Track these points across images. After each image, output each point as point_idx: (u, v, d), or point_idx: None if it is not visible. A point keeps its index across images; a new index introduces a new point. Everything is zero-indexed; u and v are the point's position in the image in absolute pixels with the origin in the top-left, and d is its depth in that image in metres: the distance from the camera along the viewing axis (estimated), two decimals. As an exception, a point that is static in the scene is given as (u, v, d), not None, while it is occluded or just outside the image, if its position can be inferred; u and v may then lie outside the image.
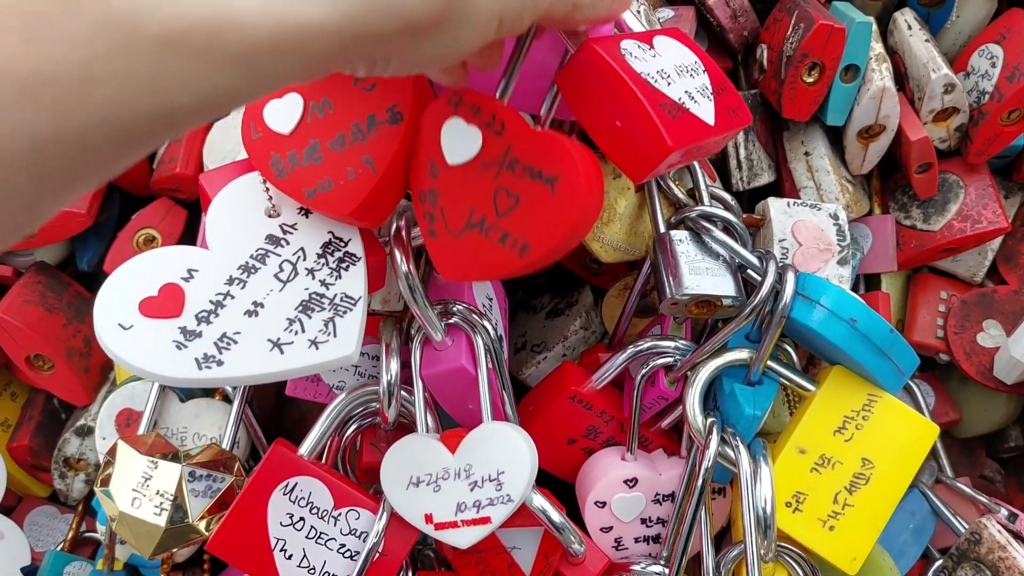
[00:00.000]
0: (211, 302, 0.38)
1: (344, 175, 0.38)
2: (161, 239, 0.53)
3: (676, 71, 0.38)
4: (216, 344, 0.38)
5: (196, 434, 0.50)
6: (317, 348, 0.38)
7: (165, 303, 0.38)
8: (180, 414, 0.50)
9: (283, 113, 0.40)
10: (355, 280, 0.40)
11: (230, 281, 0.39)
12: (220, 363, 0.37)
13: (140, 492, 0.45)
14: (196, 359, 0.37)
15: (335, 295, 0.40)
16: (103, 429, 0.50)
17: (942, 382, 0.61)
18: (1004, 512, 0.53)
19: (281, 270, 0.40)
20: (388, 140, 0.38)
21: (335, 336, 0.39)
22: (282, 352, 0.38)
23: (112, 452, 0.46)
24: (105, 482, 0.46)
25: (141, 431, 0.48)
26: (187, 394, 0.51)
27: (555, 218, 0.34)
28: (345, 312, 0.39)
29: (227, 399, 0.51)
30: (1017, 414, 0.60)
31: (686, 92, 0.38)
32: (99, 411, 0.51)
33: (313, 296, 0.39)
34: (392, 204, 0.40)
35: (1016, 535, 0.52)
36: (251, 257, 0.40)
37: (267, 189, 0.41)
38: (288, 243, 0.40)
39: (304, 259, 0.40)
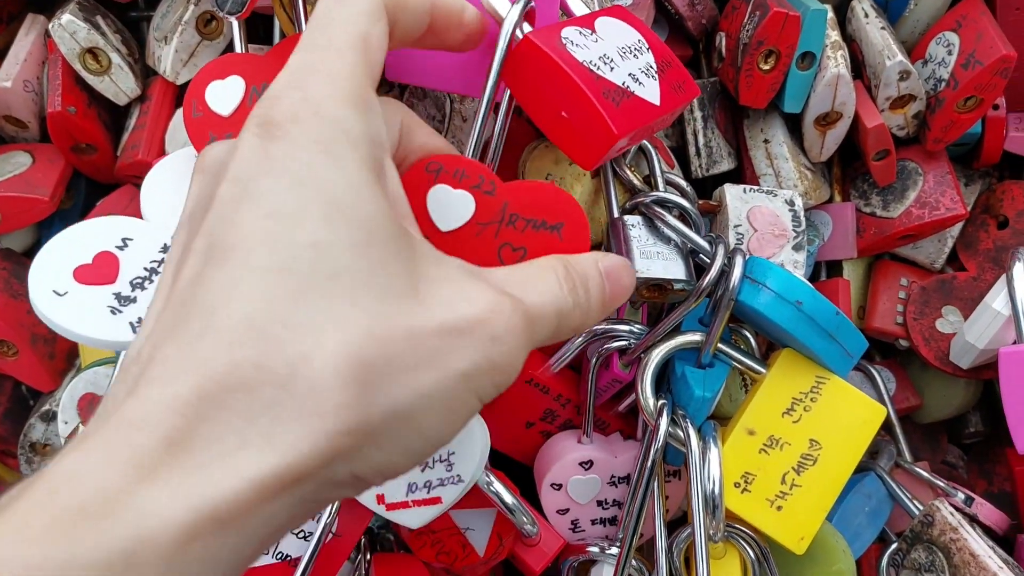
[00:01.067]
0: (146, 269, 0.39)
1: None
2: (125, 226, 0.53)
3: (619, 53, 0.38)
4: None
5: (158, 418, 0.50)
6: None
7: (99, 270, 0.39)
8: (142, 398, 0.50)
9: (224, 95, 0.40)
10: None
11: (164, 249, 0.40)
12: None
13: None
14: (131, 323, 0.38)
15: None
16: (65, 413, 0.51)
17: (903, 368, 0.61)
18: (961, 496, 0.54)
19: None
20: None
21: None
22: None
23: (72, 435, 0.47)
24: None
25: (102, 415, 0.49)
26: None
27: None
28: None
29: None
30: (976, 400, 0.61)
31: (630, 75, 0.38)
32: (62, 396, 0.52)
33: None
34: None
35: (971, 518, 0.52)
36: None
37: None
38: None
39: None
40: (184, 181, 0.43)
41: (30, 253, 0.57)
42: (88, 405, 0.51)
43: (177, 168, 0.43)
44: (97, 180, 0.56)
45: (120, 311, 0.39)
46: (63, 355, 0.56)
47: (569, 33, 0.37)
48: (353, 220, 0.25)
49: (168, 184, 0.43)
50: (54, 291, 0.38)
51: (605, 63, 0.37)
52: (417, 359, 0.25)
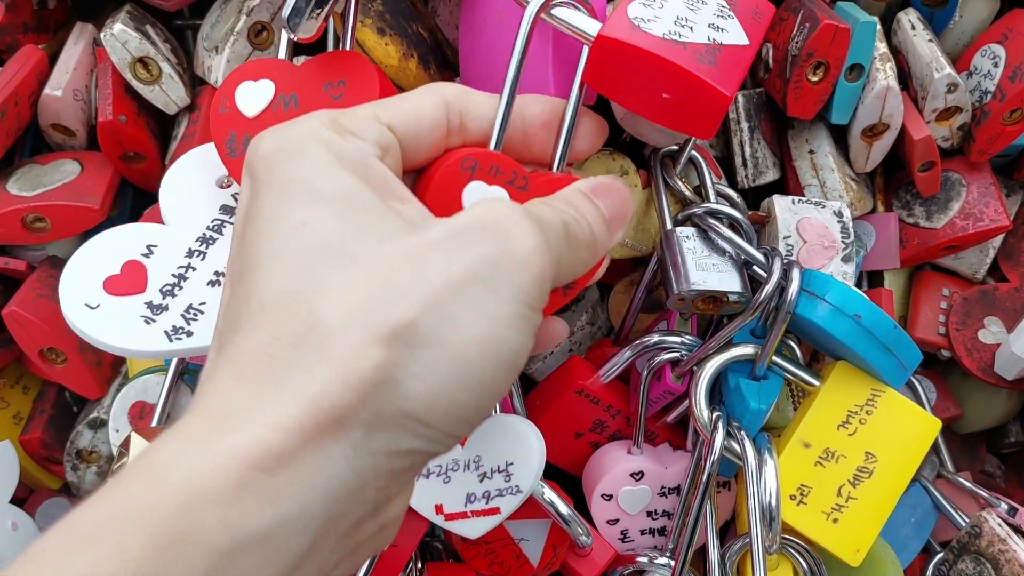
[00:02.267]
0: (174, 275, 0.40)
1: None
2: (172, 234, 0.53)
3: (689, 7, 0.37)
4: (183, 316, 0.39)
5: (208, 427, 0.50)
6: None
7: (129, 280, 0.40)
8: (192, 407, 0.50)
9: (253, 96, 0.40)
10: None
11: (190, 254, 0.41)
12: (189, 333, 0.39)
13: (153, 484, 0.46)
14: (166, 332, 0.39)
15: None
16: (116, 421, 0.51)
17: (944, 378, 0.61)
18: (1004, 506, 0.54)
19: None
20: None
21: None
22: None
23: (125, 444, 0.47)
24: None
25: (154, 423, 0.49)
26: (193, 384, 0.51)
27: None
28: None
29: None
30: (1017, 410, 0.61)
31: (710, 26, 0.36)
32: (112, 404, 0.52)
33: None
34: None
35: (1016, 528, 0.52)
36: (208, 228, 0.41)
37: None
38: None
39: None
40: (202, 182, 0.43)
41: (76, 260, 0.58)
42: (139, 413, 0.51)
43: (194, 168, 0.43)
44: (144, 188, 0.56)
45: (154, 320, 0.39)
46: (109, 363, 0.56)
47: (635, 11, 0.36)
48: (331, 198, 0.28)
49: (184, 185, 0.43)
50: (86, 304, 0.38)
51: (683, 26, 0.36)
52: (426, 270, 0.26)
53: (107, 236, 0.40)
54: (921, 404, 0.58)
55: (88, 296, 0.37)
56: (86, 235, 0.55)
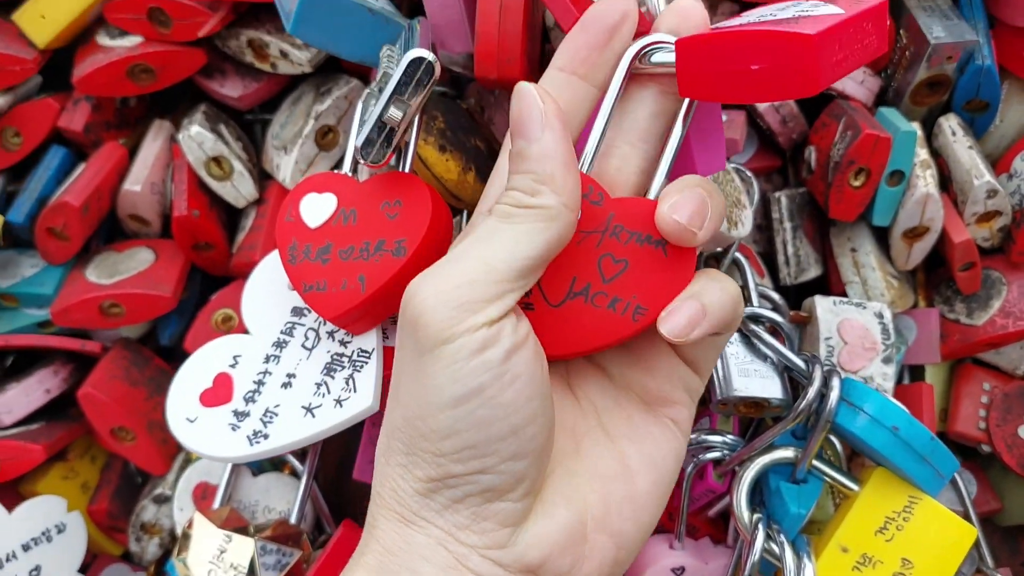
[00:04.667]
0: (254, 382, 0.43)
1: (338, 284, 0.40)
2: (238, 319, 0.56)
3: (774, 10, 0.36)
4: (261, 420, 0.42)
5: (266, 507, 0.53)
6: (341, 406, 0.42)
7: (219, 392, 0.43)
8: (252, 488, 0.53)
9: (317, 209, 0.43)
10: (370, 335, 0.43)
11: (267, 359, 0.44)
12: (266, 436, 0.42)
13: (215, 564, 0.48)
14: (248, 437, 0.42)
15: (352, 352, 0.43)
16: (180, 500, 0.54)
17: (984, 471, 0.62)
18: (1045, 604, 0.54)
19: (307, 339, 0.44)
20: (385, 268, 0.39)
21: (355, 392, 0.42)
22: (314, 416, 0.42)
23: (190, 524, 0.50)
24: (183, 551, 0.49)
25: (216, 505, 0.52)
26: (258, 468, 0.54)
27: (671, 277, 0.34)
28: (362, 367, 0.42)
29: (294, 473, 0.54)
30: (1059, 505, 0.61)
31: (796, 12, 0.35)
32: (177, 482, 0.55)
33: (335, 357, 0.43)
34: (374, 322, 0.43)
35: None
36: (281, 332, 0.44)
37: None
38: (310, 311, 0.44)
39: (324, 323, 0.44)
40: (276, 286, 0.46)
41: (145, 340, 0.61)
42: (202, 494, 0.54)
43: (266, 275, 0.46)
44: (211, 273, 0.59)
45: (238, 427, 0.42)
46: (175, 440, 0.58)
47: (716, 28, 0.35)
48: None
49: (261, 293, 0.46)
50: (187, 419, 0.42)
51: (764, 16, 0.34)
52: None
53: (203, 351, 0.43)
54: (961, 497, 0.58)
55: (188, 411, 0.41)
56: (157, 320, 0.59)
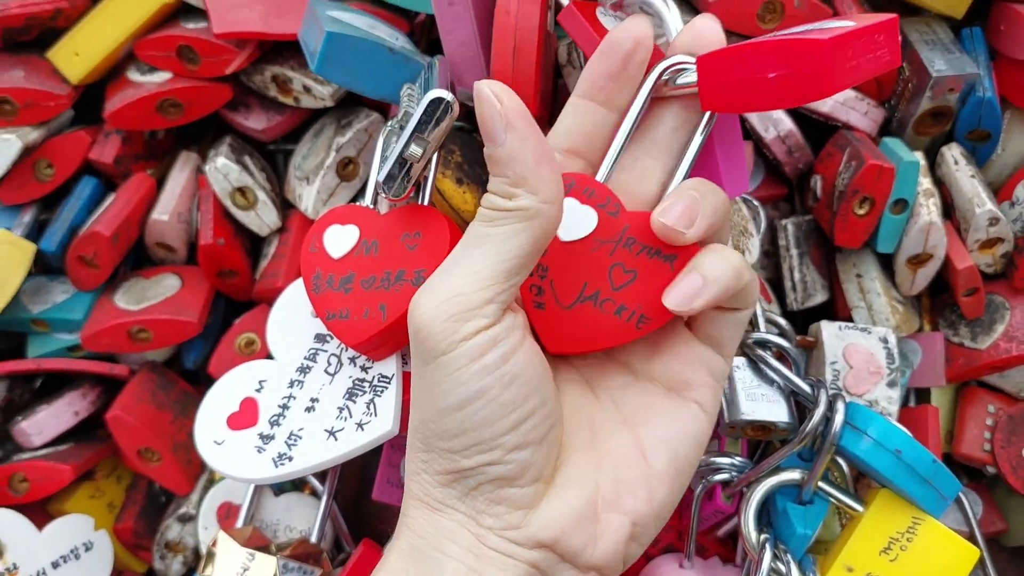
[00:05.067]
0: (279, 406, 0.45)
1: (360, 312, 0.43)
2: (260, 343, 0.58)
3: (787, 31, 0.37)
4: (286, 442, 0.44)
5: (287, 527, 0.54)
6: (363, 429, 0.44)
7: (245, 415, 0.45)
8: (274, 508, 0.55)
9: (340, 240, 0.45)
10: (390, 362, 0.45)
11: (291, 384, 0.45)
12: (291, 459, 0.43)
13: (239, 582, 0.50)
14: (273, 459, 0.43)
15: (373, 377, 0.45)
16: (205, 519, 0.56)
17: (990, 492, 0.63)
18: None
19: (329, 364, 0.45)
20: (405, 297, 0.41)
21: (376, 416, 0.44)
22: (336, 439, 0.44)
23: (214, 542, 0.52)
24: (207, 568, 0.51)
25: (239, 524, 0.53)
26: (279, 489, 0.56)
27: None
28: (382, 391, 0.44)
29: (315, 494, 0.56)
30: (1064, 526, 0.62)
31: (810, 27, 0.36)
32: (201, 501, 0.57)
33: (356, 382, 0.45)
34: (394, 348, 0.45)
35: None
36: (305, 358, 0.46)
37: None
38: (332, 337, 0.46)
39: (346, 349, 0.45)
40: (296, 315, 0.47)
41: (170, 364, 0.63)
42: (225, 513, 0.56)
43: (289, 303, 0.48)
44: (234, 298, 0.61)
45: (264, 449, 0.44)
46: (198, 461, 0.60)
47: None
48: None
49: (285, 320, 0.48)
50: (214, 441, 0.44)
51: (778, 34, 0.36)
52: None
53: (229, 376, 0.45)
54: (967, 518, 0.59)
55: (215, 433, 0.43)
56: (181, 344, 0.61)
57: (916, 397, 0.61)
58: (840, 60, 0.33)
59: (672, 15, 0.40)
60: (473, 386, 0.33)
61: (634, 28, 0.37)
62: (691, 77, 0.37)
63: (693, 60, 0.37)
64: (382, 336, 0.42)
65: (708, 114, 0.38)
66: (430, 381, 0.34)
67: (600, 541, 0.35)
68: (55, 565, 0.57)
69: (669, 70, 0.37)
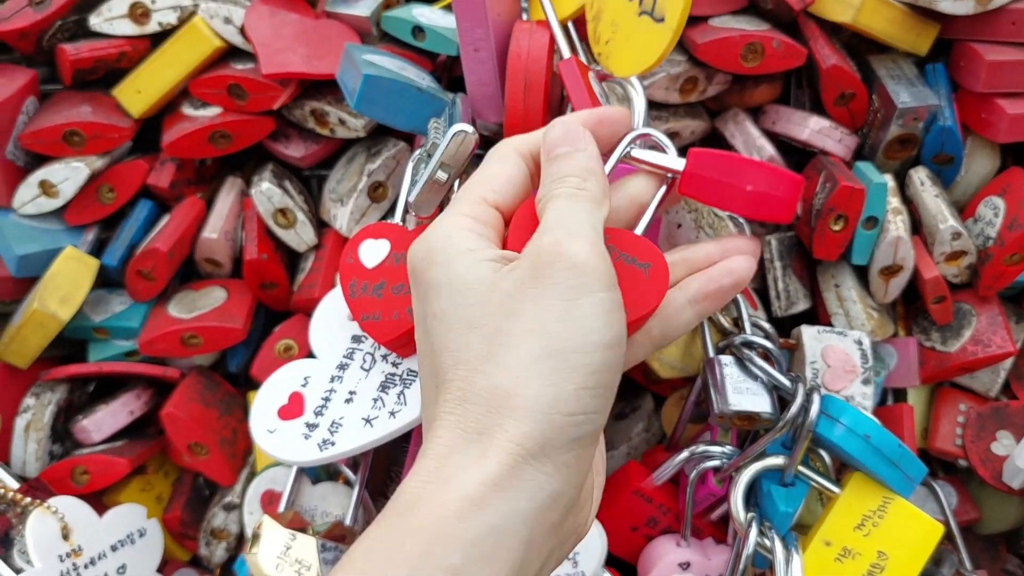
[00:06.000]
0: (322, 399, 0.50)
1: (390, 315, 0.49)
2: (297, 349, 0.64)
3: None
4: (329, 430, 0.49)
5: (324, 512, 0.60)
6: (394, 417, 0.49)
7: (293, 407, 0.51)
8: (311, 495, 0.61)
9: (373, 252, 0.51)
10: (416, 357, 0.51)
11: (332, 379, 0.51)
12: (333, 444, 0.49)
13: (282, 559, 0.56)
14: (318, 444, 0.49)
15: (403, 371, 0.51)
16: (250, 506, 0.62)
17: (964, 484, 0.68)
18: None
19: (364, 361, 0.51)
20: None
21: (406, 405, 0.50)
22: (372, 426, 0.49)
23: (259, 526, 0.58)
24: (253, 548, 0.57)
25: (281, 509, 0.59)
26: (315, 477, 0.62)
27: (648, 293, 0.42)
28: (411, 383, 0.50)
29: (348, 483, 0.62)
30: (1030, 515, 0.67)
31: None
32: (245, 491, 0.63)
33: (388, 376, 0.50)
34: None
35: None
36: (343, 356, 0.52)
37: None
38: (366, 338, 0.52)
39: (379, 348, 0.51)
40: (338, 318, 0.54)
41: (215, 368, 0.69)
42: (268, 500, 0.62)
43: (332, 307, 0.55)
44: (274, 308, 0.67)
45: (310, 435, 0.50)
46: (241, 454, 0.67)
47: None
48: (477, 289, 0.37)
49: (325, 324, 0.54)
50: (267, 430, 0.50)
51: (755, 152, 0.45)
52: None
53: (279, 374, 0.51)
54: (942, 507, 0.65)
55: (268, 423, 0.49)
56: (225, 350, 0.67)
57: (894, 397, 0.67)
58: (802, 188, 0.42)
59: (639, 102, 0.48)
60: (620, 330, 0.37)
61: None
62: (660, 158, 0.45)
63: (658, 133, 0.45)
64: (408, 335, 0.49)
65: (664, 188, 0.45)
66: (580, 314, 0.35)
67: None
68: (113, 548, 0.63)
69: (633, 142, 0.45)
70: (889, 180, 0.61)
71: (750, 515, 0.53)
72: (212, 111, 0.62)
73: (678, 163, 0.45)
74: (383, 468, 0.64)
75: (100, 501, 0.68)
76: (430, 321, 0.37)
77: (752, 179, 0.42)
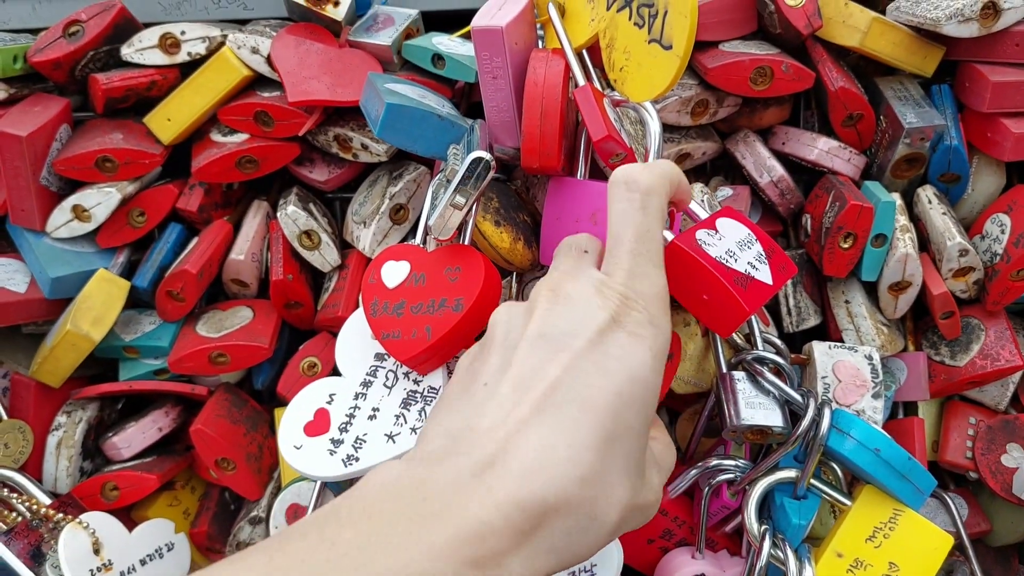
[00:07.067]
0: (346, 415, 0.52)
1: (409, 333, 0.50)
2: (321, 366, 0.66)
3: (738, 246, 0.49)
4: (353, 446, 0.51)
5: (348, 526, 0.62)
6: (416, 433, 0.51)
7: (319, 423, 0.52)
8: (336, 509, 0.62)
9: (394, 273, 0.53)
10: (437, 375, 0.53)
11: (356, 396, 0.53)
12: (357, 459, 0.51)
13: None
14: (343, 460, 0.51)
15: (424, 388, 0.52)
16: (276, 519, 0.64)
17: (975, 496, 0.70)
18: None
19: (387, 379, 0.53)
20: (447, 320, 0.49)
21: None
22: (394, 442, 0.51)
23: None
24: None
25: (307, 522, 0.61)
26: (337, 491, 0.64)
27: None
28: (432, 400, 0.52)
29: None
30: (1042, 526, 0.68)
31: (749, 264, 0.48)
32: (271, 505, 0.65)
33: (410, 393, 0.52)
34: (439, 363, 0.52)
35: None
36: (367, 374, 0.53)
37: None
38: (389, 356, 0.53)
39: (401, 367, 0.53)
40: (359, 338, 0.56)
41: (242, 384, 0.71)
42: (293, 514, 0.63)
43: (354, 329, 0.56)
44: (298, 327, 0.69)
45: (335, 451, 0.52)
46: (267, 469, 0.69)
47: (701, 235, 0.47)
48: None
49: (351, 343, 0.56)
50: (294, 446, 0.51)
51: (731, 256, 0.47)
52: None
53: (306, 391, 0.53)
54: (954, 519, 0.66)
55: (295, 439, 0.50)
56: (251, 368, 0.69)
57: (904, 410, 0.69)
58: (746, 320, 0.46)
59: (654, 125, 0.50)
60: None
61: None
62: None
63: (697, 206, 0.50)
64: (428, 352, 0.50)
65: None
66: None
67: None
68: (143, 562, 0.65)
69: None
70: (897, 199, 0.63)
71: (763, 527, 0.55)
72: (239, 137, 0.64)
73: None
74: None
75: (129, 516, 0.70)
76: None
77: (711, 292, 0.46)
